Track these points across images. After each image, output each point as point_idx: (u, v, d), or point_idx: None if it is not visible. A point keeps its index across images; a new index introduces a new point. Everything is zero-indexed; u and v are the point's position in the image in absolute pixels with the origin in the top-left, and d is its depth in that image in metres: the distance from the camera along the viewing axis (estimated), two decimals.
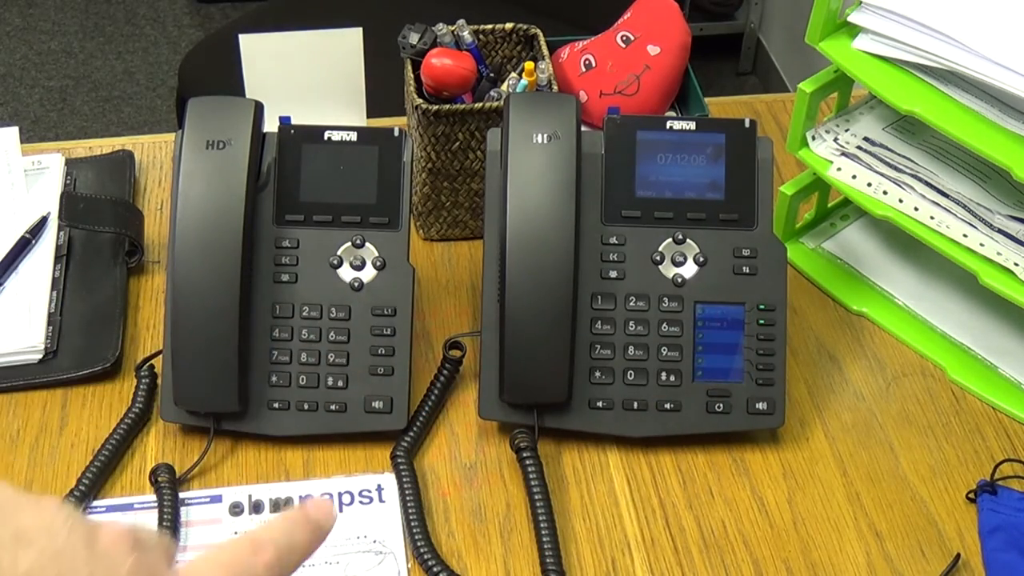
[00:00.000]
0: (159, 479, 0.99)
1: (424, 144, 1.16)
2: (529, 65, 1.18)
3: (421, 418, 1.05)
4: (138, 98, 2.87)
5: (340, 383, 1.03)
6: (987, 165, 1.07)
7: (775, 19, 2.88)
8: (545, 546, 0.96)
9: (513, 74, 1.20)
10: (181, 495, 1.00)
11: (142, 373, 1.07)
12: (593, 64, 1.26)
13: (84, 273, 1.15)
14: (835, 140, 1.13)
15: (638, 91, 1.25)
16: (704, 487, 1.03)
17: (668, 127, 1.05)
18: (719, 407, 1.03)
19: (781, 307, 1.04)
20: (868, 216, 1.19)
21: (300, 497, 1.01)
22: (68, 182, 1.23)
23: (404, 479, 1.00)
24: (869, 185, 1.10)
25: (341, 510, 1.00)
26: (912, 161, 1.10)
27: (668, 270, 1.04)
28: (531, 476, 1.00)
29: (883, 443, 1.07)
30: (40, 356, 1.08)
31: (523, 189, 1.01)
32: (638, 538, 1.00)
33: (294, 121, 1.06)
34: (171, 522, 0.97)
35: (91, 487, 0.99)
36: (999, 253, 1.05)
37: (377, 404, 1.03)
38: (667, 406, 1.03)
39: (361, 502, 1.01)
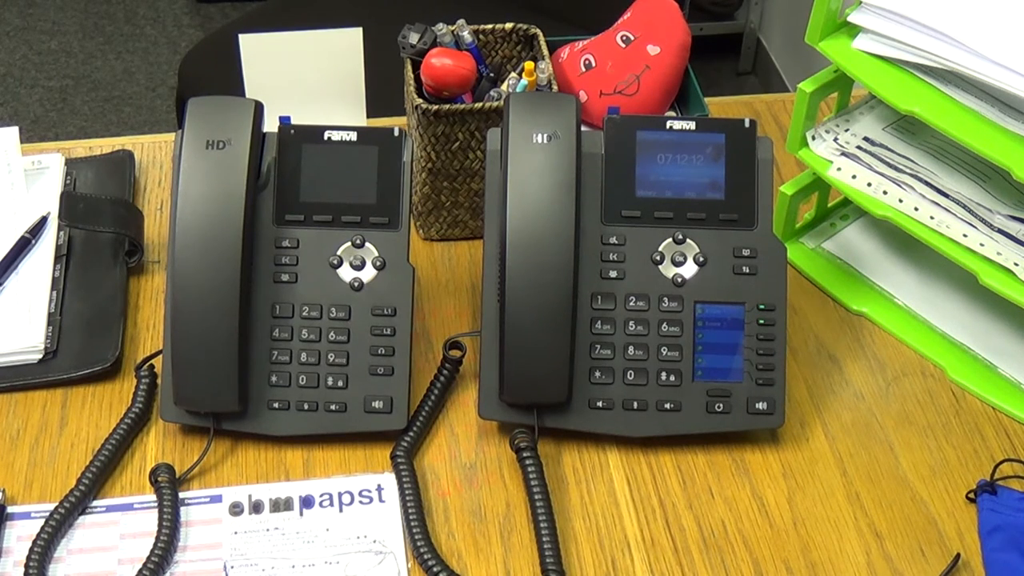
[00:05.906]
0: (159, 479, 0.99)
1: (424, 144, 1.16)
2: (529, 65, 1.18)
3: (421, 418, 1.05)
4: (138, 98, 2.87)
5: (340, 383, 1.03)
6: (987, 165, 1.07)
7: (775, 19, 2.88)
8: (545, 546, 0.96)
9: (513, 74, 1.20)
10: (181, 495, 1.00)
11: (142, 373, 1.07)
12: (593, 64, 1.26)
13: (84, 273, 1.15)
14: (835, 140, 1.13)
15: (638, 91, 1.25)
16: (704, 487, 1.03)
17: (668, 127, 1.05)
18: (719, 407, 1.03)
19: (781, 307, 1.04)
20: (868, 216, 1.19)
21: (300, 497, 1.01)
22: (68, 182, 1.23)
23: (404, 479, 1.00)
24: (869, 185, 1.10)
25: (341, 510, 1.00)
26: (912, 161, 1.10)
27: (668, 270, 1.04)
28: (531, 476, 1.00)
29: (883, 443, 1.07)
30: (40, 356, 1.08)
31: (523, 189, 1.01)
32: (638, 538, 1.00)
33: (294, 121, 1.06)
34: (171, 522, 0.97)
35: (91, 487, 0.99)
36: (999, 253, 1.05)
37: (377, 404, 1.03)
38: (667, 406, 1.03)
39: (361, 502, 1.01)
